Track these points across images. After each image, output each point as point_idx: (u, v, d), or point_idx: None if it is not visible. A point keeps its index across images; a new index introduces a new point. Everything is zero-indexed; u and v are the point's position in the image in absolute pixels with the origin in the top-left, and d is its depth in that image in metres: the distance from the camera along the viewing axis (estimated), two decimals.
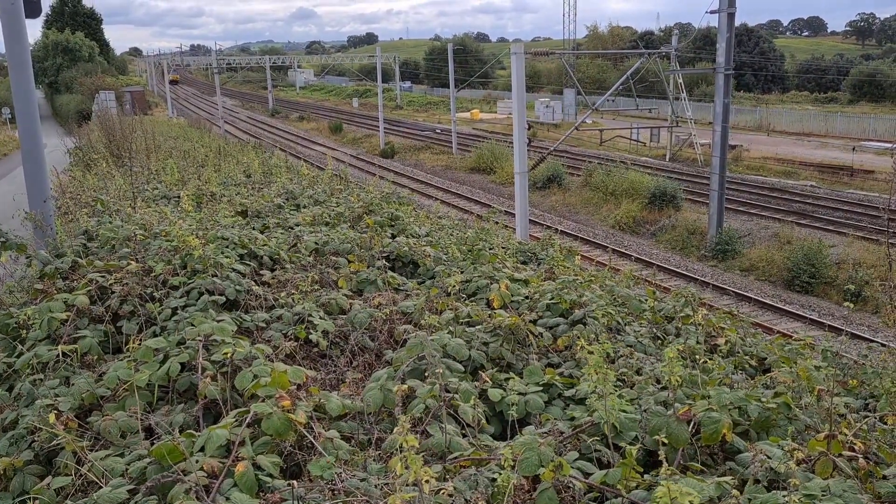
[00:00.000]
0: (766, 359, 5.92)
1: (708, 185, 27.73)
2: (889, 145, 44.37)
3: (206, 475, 2.99)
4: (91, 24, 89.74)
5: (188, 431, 3.43)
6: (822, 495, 2.88)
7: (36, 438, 3.64)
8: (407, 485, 2.55)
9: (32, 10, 6.98)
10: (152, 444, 3.41)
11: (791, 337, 6.88)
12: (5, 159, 41.56)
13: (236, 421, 3.38)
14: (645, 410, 3.63)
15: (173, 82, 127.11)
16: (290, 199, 10.42)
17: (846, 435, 3.58)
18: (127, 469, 3.24)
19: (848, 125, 54.11)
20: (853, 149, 42.48)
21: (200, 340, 4.24)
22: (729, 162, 30.49)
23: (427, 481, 2.29)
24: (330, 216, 8.99)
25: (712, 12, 25.84)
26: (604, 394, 3.35)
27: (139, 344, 4.35)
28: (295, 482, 3.01)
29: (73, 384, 4.12)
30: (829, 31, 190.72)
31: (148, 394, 4.05)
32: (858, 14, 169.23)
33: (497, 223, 11.87)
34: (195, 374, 4.06)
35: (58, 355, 4.42)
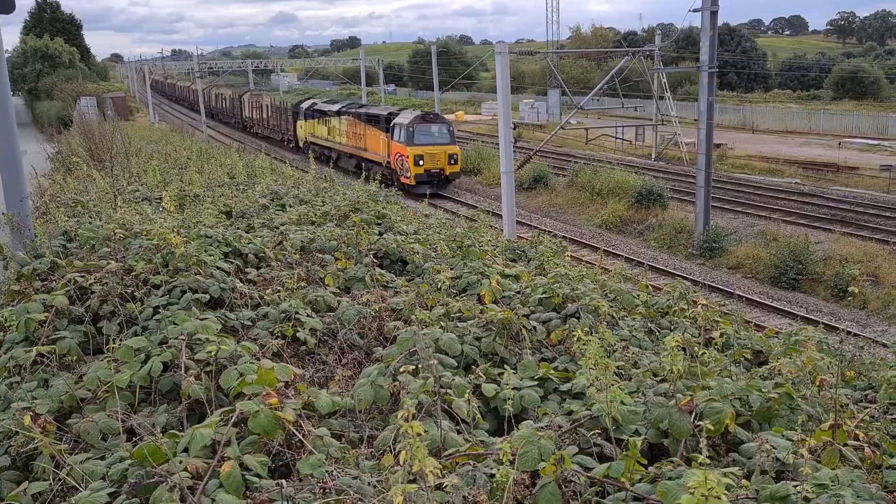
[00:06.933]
0: (761, 351, 5.85)
1: (694, 184, 27.75)
2: (873, 142, 44.74)
3: (189, 476, 2.85)
4: (71, 30, 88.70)
5: (171, 432, 3.28)
6: (832, 484, 2.78)
7: (12, 443, 3.49)
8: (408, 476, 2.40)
9: (5, 5, 6.78)
10: (134, 445, 3.26)
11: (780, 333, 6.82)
12: None
13: (222, 420, 3.23)
14: (645, 402, 3.52)
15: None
16: (276, 199, 10.25)
17: (849, 425, 3.50)
18: (108, 472, 3.09)
19: (831, 123, 54.55)
20: (839, 145, 42.73)
21: (183, 339, 4.09)
22: (714, 160, 30.53)
23: (432, 471, 2.15)
24: (316, 215, 8.84)
25: (695, 10, 25.90)
26: (604, 386, 3.23)
27: (119, 344, 4.20)
28: (284, 481, 2.88)
29: (51, 386, 3.97)
30: (810, 29, 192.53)
31: (129, 395, 3.90)
32: (839, 13, 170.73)
33: (484, 222, 11.76)
34: (178, 373, 3.91)
35: (35, 357, 4.26)
